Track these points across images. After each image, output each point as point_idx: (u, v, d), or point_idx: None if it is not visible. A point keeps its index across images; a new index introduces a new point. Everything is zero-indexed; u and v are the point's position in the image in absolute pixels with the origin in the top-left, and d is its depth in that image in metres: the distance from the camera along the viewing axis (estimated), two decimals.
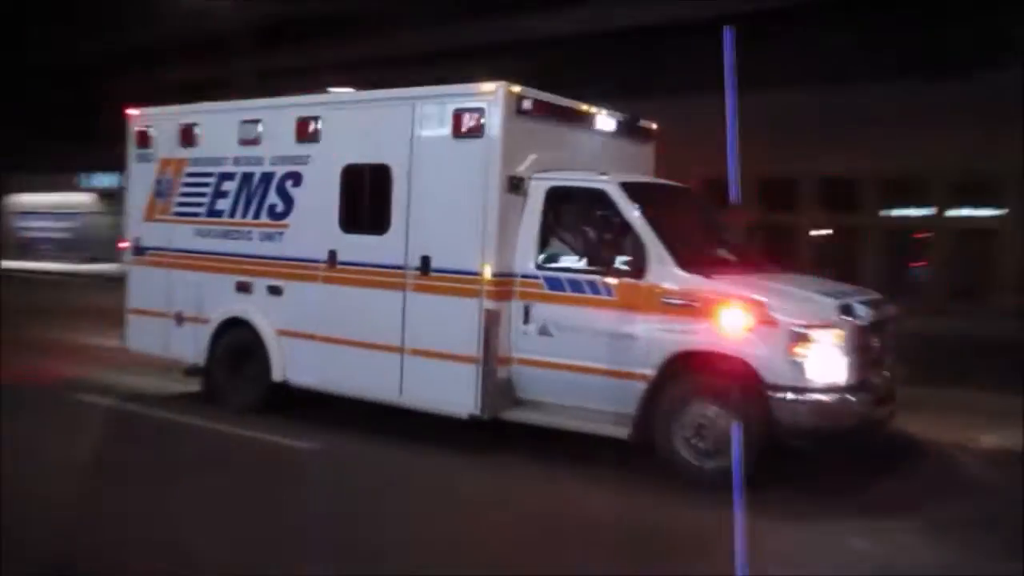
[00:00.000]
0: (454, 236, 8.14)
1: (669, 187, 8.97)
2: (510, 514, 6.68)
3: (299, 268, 9.09)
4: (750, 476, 5.91)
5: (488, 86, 7.98)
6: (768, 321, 6.96)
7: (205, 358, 9.77)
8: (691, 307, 7.27)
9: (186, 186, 10.05)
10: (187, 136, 10.05)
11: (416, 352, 8.30)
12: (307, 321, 9.01)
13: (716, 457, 7.10)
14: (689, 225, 8.65)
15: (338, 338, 8.79)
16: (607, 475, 7.47)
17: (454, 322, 8.06)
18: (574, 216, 8.02)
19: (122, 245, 10.84)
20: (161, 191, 10.26)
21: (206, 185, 9.84)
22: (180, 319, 9.98)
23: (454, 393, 8.05)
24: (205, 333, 9.72)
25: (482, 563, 5.69)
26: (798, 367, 6.86)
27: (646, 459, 7.45)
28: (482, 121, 7.96)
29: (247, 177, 9.50)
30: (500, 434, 8.18)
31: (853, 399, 7.00)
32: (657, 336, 7.37)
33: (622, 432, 7.48)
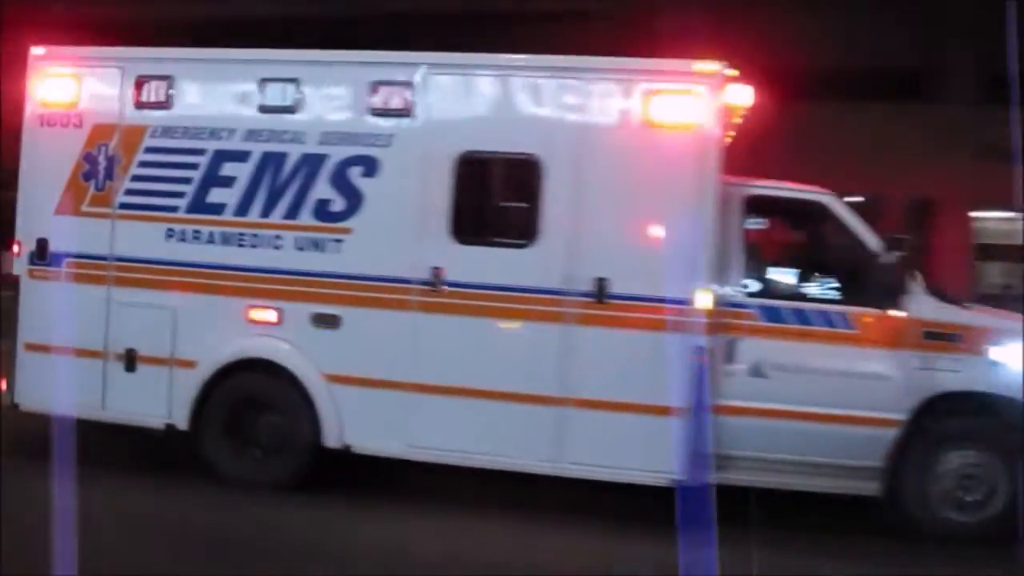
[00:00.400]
0: (647, 254, 6.28)
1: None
2: None
3: (373, 290, 6.56)
4: None
5: (706, 65, 6.25)
6: None
7: (188, 418, 6.79)
8: (954, 342, 6.19)
9: (146, 166, 6.91)
10: (150, 93, 6.93)
11: (585, 403, 6.28)
12: (384, 364, 6.53)
13: (983, 509, 6.12)
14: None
15: (445, 387, 6.45)
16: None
17: (646, 364, 6.20)
18: (784, 233, 6.56)
19: (14, 248, 7.25)
20: (94, 172, 6.98)
21: (189, 167, 6.81)
22: (131, 361, 6.87)
23: (644, 456, 6.20)
24: (189, 382, 6.76)
25: None
26: None
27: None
28: (693, 109, 6.22)
29: (272, 159, 6.70)
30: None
31: None
32: (915, 375, 6.18)
33: (871, 488, 6.20)
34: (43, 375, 6.98)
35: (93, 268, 6.96)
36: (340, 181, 6.59)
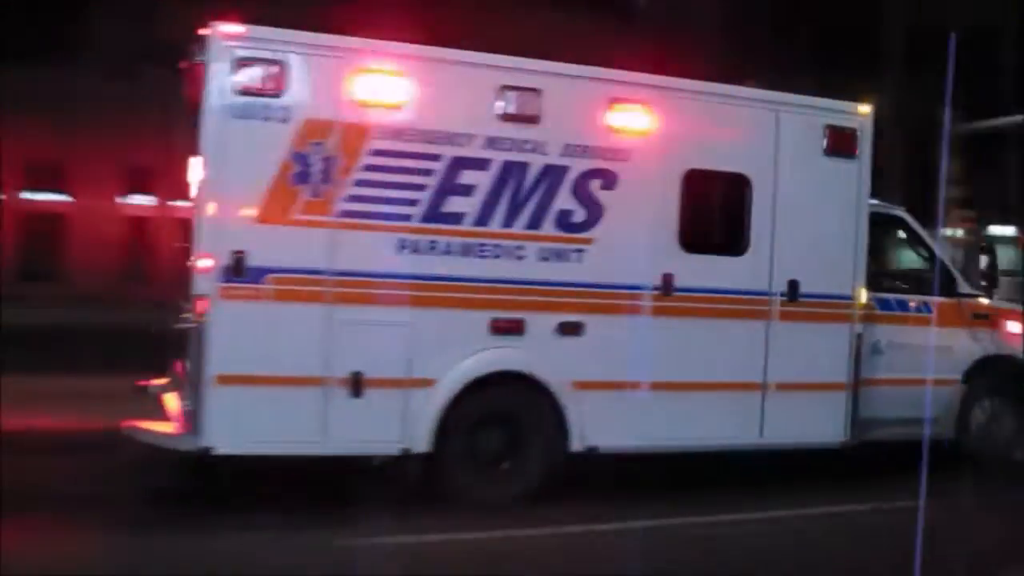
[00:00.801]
0: (824, 259, 7.55)
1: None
2: None
3: (612, 297, 6.85)
4: None
5: (864, 107, 7.67)
6: None
7: (429, 440, 6.41)
8: (989, 320, 8.52)
9: (373, 170, 6.25)
10: (378, 90, 6.23)
11: (781, 387, 7.37)
12: (624, 366, 6.88)
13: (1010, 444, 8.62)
14: None
15: (675, 383, 7.03)
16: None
17: (824, 350, 7.51)
18: (877, 240, 8.20)
19: (199, 264, 5.93)
20: (307, 174, 6.11)
21: (423, 173, 6.34)
22: (357, 385, 6.26)
23: (823, 424, 7.55)
24: (429, 401, 6.39)
25: None
26: None
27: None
28: (856, 141, 7.58)
29: (514, 169, 6.54)
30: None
31: None
32: (966, 345, 8.35)
33: (950, 432, 8.27)
34: (244, 411, 6.05)
35: (308, 284, 6.16)
36: (581, 193, 6.74)
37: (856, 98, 7.92)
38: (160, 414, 6.59)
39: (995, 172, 30.50)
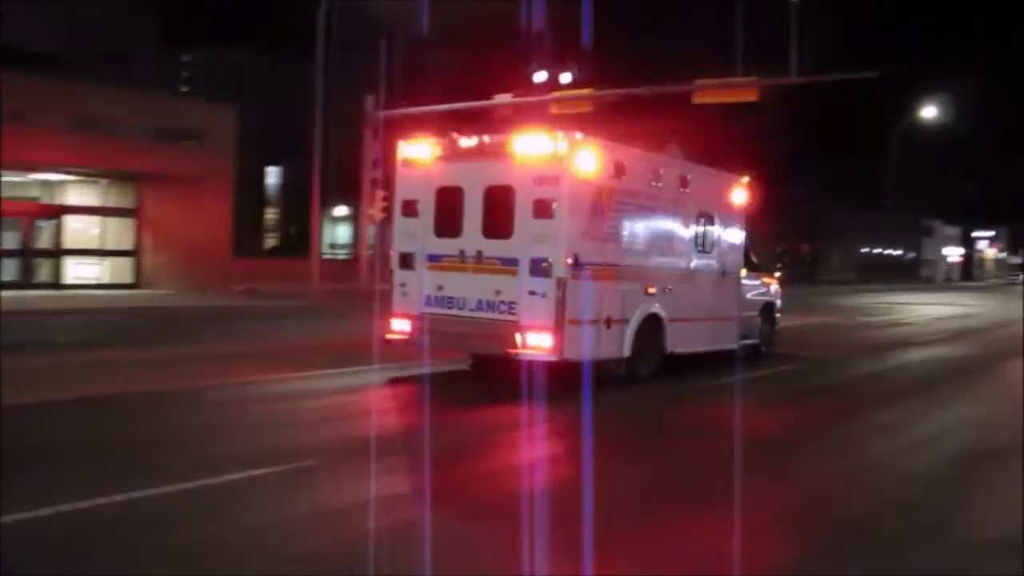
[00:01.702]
0: (732, 257, 15.35)
1: None
2: None
3: (680, 275, 13.90)
4: None
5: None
6: None
7: (629, 349, 12.58)
8: (764, 283, 17.11)
9: (614, 211, 12.44)
10: (616, 169, 12.57)
11: (728, 319, 15.04)
12: (682, 309, 13.62)
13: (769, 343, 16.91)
14: None
15: (700, 318, 14.15)
16: None
17: (732, 301, 15.34)
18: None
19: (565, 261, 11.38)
20: (597, 214, 12.13)
21: (631, 212, 12.89)
22: (608, 323, 12.18)
23: (733, 338, 15.30)
24: (629, 330, 12.55)
25: None
26: None
27: None
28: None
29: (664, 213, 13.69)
30: None
31: None
32: (760, 297, 16.75)
33: (756, 339, 16.57)
34: (575, 338, 11.62)
35: (596, 271, 11.96)
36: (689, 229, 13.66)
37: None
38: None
39: None
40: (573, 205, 11.62)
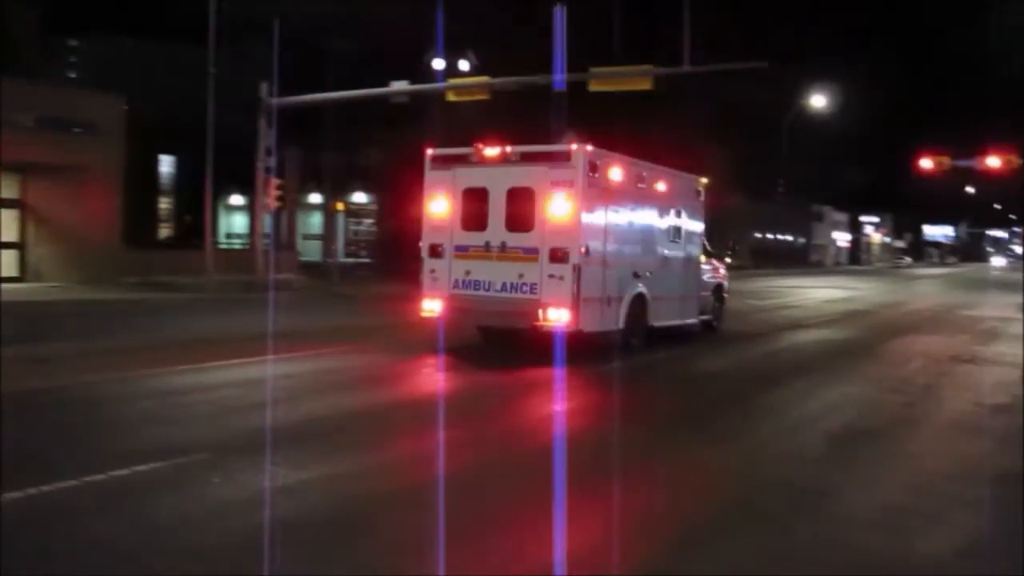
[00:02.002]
0: (696, 245, 17.98)
1: None
2: None
3: (661, 260, 16.60)
4: None
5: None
6: None
7: (623, 322, 15.09)
8: (719, 267, 18.02)
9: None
10: (615, 174, 15.54)
11: (695, 297, 17.46)
12: (659, 289, 16.15)
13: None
14: None
15: (674, 296, 16.88)
16: None
17: (696, 281, 18.02)
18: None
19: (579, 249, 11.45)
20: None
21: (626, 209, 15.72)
22: (609, 302, 14.70)
23: (696, 313, 17.99)
24: (623, 307, 15.09)
25: None
26: None
27: None
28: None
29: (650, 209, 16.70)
30: None
31: None
32: (712, 278, 19.33)
33: (710, 315, 18.78)
34: (587, 312, 14.03)
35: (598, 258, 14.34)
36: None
37: None
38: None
39: (308, 144, 38.94)
40: (584, 204, 13.88)
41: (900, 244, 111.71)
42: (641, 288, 15.37)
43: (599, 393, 11.95)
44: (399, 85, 30.85)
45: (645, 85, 24.80)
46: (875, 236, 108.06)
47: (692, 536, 6.07)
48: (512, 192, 14.33)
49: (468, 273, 14.54)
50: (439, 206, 14.94)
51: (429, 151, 15.48)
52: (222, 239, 58.76)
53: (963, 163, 46.99)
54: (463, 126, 61.38)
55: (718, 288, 19.36)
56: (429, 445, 8.18)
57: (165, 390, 10.86)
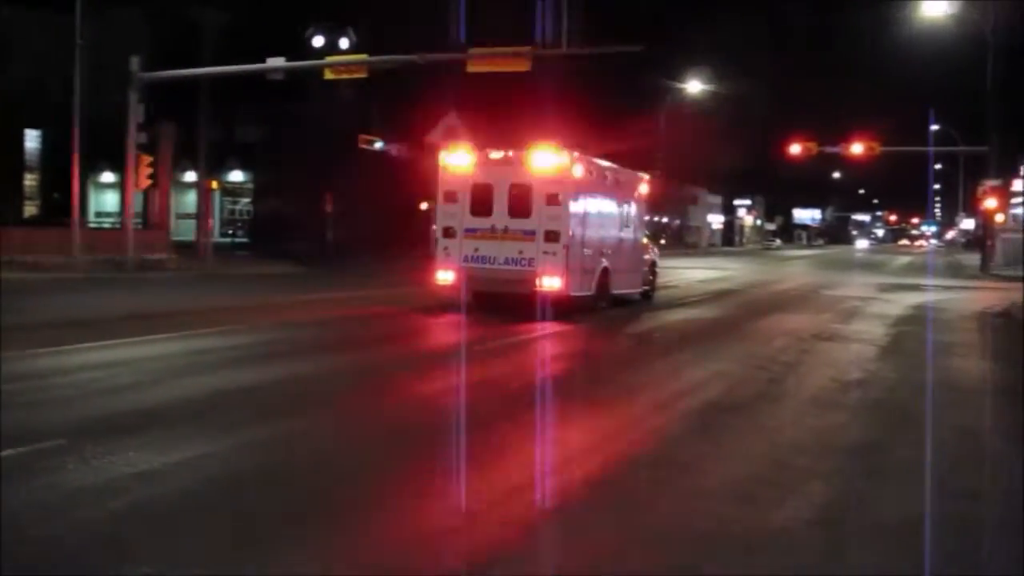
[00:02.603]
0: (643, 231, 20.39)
1: None
2: None
3: (619, 242, 20.91)
4: None
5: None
6: None
7: (596, 289, 19.44)
8: (648, 245, 18.50)
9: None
10: (580, 171, 19.99)
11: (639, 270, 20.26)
12: (616, 262, 20.28)
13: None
14: None
15: (626, 268, 21.13)
16: None
17: (642, 258, 22.52)
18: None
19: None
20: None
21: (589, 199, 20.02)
22: (591, 274, 19.30)
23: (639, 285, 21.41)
24: (596, 276, 19.41)
25: None
26: None
27: None
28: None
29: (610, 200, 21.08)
30: None
31: None
32: (650, 256, 22.93)
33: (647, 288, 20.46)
34: (574, 279, 18.27)
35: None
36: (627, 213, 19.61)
37: None
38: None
39: (183, 121, 38.09)
40: (575, 197, 18.38)
41: (771, 227, 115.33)
42: (606, 263, 19.53)
43: (524, 354, 13.03)
44: (275, 61, 30.17)
45: (523, 67, 24.92)
46: (747, 219, 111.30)
47: (552, 516, 6.17)
48: (513, 187, 18.23)
49: (477, 250, 18.31)
50: (451, 197, 18.75)
51: (442, 152, 19.52)
52: (92, 218, 56.50)
53: (829, 149, 48.95)
54: (342, 104, 60.46)
55: (652, 265, 23.45)
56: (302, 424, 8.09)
57: (24, 373, 10.42)
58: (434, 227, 19.18)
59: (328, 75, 29.37)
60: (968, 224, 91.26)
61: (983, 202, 46.65)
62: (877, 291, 29.70)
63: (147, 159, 30.72)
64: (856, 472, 7.42)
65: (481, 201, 18.42)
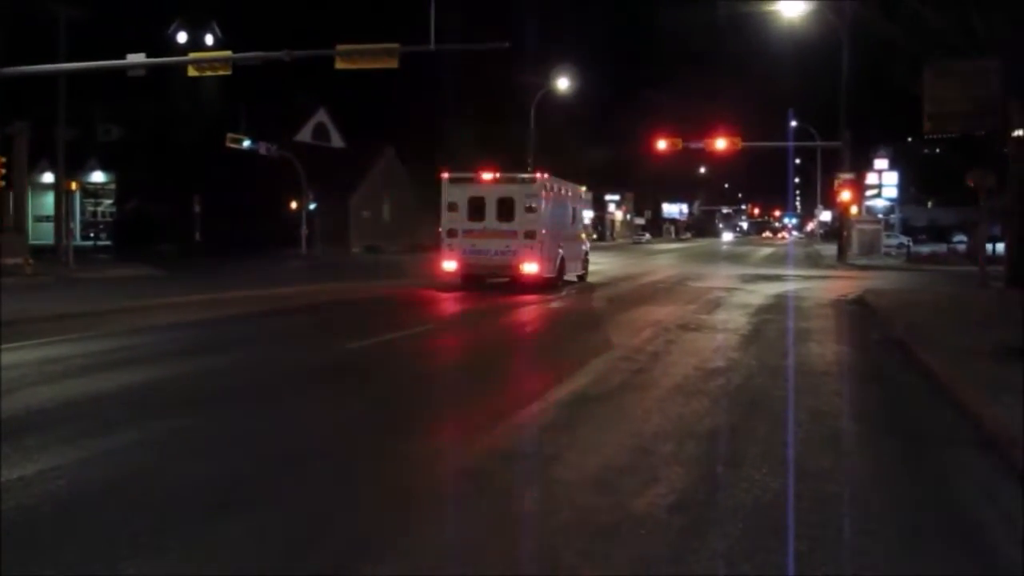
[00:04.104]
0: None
1: None
2: None
3: (572, 235, 29.42)
4: None
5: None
6: None
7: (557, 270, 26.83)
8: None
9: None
10: (547, 189, 27.13)
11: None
12: (568, 252, 28.12)
13: None
14: None
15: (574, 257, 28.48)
16: None
17: (581, 248, 30.57)
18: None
19: None
20: None
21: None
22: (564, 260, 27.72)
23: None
24: (557, 262, 27.01)
25: None
26: None
27: None
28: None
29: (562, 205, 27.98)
30: None
31: None
32: (584, 245, 27.44)
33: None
34: (545, 266, 25.79)
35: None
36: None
37: None
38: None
39: (39, 119, 36.87)
40: (544, 206, 25.29)
41: (640, 221, 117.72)
42: (562, 252, 26.67)
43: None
44: (136, 58, 29.19)
45: (391, 63, 24.78)
46: (617, 214, 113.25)
47: (422, 511, 6.18)
48: (500, 199, 25.13)
49: (473, 245, 25.11)
50: (453, 207, 25.39)
51: (445, 174, 26.08)
52: None
53: (694, 144, 50.26)
54: (208, 102, 58.59)
55: (586, 254, 30.83)
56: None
57: None
58: (440, 229, 25.73)
59: (192, 72, 28.56)
60: (826, 216, 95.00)
61: (839, 195, 48.62)
62: (741, 282, 30.61)
63: (1, 160, 29.32)
64: (713, 456, 7.62)
65: (476, 209, 25.10)
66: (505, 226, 24.83)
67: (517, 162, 58.26)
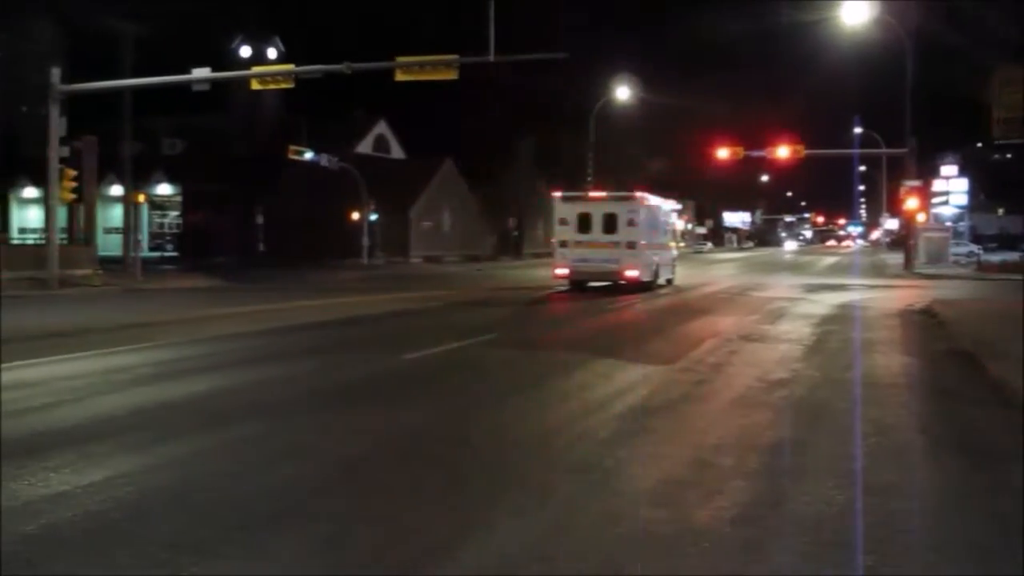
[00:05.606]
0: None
1: None
2: None
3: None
4: None
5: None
6: None
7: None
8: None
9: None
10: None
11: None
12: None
13: None
14: None
15: None
16: None
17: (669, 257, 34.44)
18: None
19: None
20: None
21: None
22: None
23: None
24: None
25: None
26: None
27: None
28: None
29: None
30: None
31: None
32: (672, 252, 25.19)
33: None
34: (644, 271, 29.56)
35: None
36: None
37: None
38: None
39: (107, 133, 37.42)
40: (643, 222, 29.22)
41: (702, 230, 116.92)
42: (656, 259, 30.77)
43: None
44: (201, 72, 29.76)
45: (450, 75, 24.93)
46: (679, 223, 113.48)
47: (483, 517, 6.16)
48: (606, 215, 29.12)
49: (583, 255, 28.88)
50: (564, 221, 29.68)
51: (557, 193, 31.03)
52: (15, 234, 55.02)
53: (756, 153, 49.77)
54: (269, 115, 59.41)
55: (674, 259, 35.01)
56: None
57: None
58: (553, 240, 31.36)
59: (255, 85, 29.04)
60: (892, 224, 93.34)
61: (905, 202, 47.75)
62: (804, 291, 30.21)
63: (71, 173, 30.08)
64: (776, 470, 7.51)
65: (584, 224, 29.13)
66: (610, 238, 28.78)
67: (576, 173, 58.54)
